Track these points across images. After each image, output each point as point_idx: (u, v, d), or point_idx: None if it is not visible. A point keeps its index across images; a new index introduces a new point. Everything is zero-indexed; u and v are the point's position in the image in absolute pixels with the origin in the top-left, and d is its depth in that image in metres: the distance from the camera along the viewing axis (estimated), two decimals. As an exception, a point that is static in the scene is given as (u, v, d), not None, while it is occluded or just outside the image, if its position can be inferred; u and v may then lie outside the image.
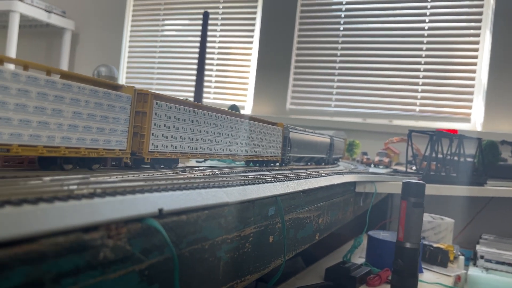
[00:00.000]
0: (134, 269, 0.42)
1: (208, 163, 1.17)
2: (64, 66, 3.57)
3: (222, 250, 0.58)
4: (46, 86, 0.50)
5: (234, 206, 0.61)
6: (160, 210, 0.45)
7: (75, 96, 0.53)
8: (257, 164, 1.12)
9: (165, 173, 0.65)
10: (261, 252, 0.71)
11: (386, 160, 2.16)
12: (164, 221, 0.46)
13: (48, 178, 0.45)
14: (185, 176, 0.67)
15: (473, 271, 1.75)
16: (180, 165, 0.86)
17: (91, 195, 0.40)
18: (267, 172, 0.99)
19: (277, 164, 1.20)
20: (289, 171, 1.09)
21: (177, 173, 0.70)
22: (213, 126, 0.84)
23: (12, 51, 3.09)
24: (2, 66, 0.47)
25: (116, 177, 0.54)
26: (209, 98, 3.19)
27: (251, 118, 1.02)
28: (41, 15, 3.31)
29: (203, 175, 0.73)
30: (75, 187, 0.43)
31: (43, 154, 0.50)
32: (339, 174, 1.20)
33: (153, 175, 0.61)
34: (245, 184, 0.68)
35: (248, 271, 0.67)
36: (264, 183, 0.75)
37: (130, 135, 0.63)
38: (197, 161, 1.19)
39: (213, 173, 0.79)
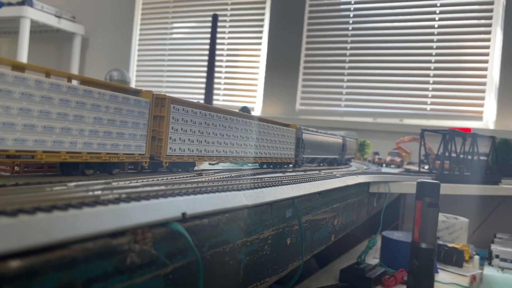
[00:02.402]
0: (160, 273, 0.42)
1: (221, 166, 1.18)
2: (75, 70, 3.60)
3: (242, 253, 0.58)
4: (68, 93, 0.50)
5: (253, 208, 0.61)
6: (183, 214, 0.46)
7: (96, 101, 0.54)
8: (271, 166, 1.12)
9: (184, 177, 0.66)
10: (279, 255, 0.71)
11: (398, 159, 2.15)
12: (187, 225, 0.46)
13: (72, 184, 0.45)
14: (203, 179, 0.67)
15: (488, 271, 1.73)
16: (194, 168, 0.87)
17: (117, 200, 0.40)
18: (281, 174, 0.99)
19: (290, 165, 1.20)
20: (303, 173, 1.09)
21: (194, 176, 0.70)
22: (228, 128, 0.85)
23: (23, 57, 3.13)
24: (24, 73, 0.47)
25: (137, 182, 0.54)
26: (219, 100, 3.20)
27: (265, 120, 1.02)
28: (51, 21, 3.35)
29: (220, 177, 0.73)
30: (100, 192, 0.43)
31: (66, 160, 0.51)
32: (353, 174, 1.19)
33: (172, 178, 0.61)
34: (263, 187, 0.68)
35: (267, 273, 0.68)
36: (280, 185, 0.75)
37: (148, 140, 0.64)
38: (209, 164, 1.20)
39: (229, 175, 0.80)
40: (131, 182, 0.53)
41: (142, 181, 0.55)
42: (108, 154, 0.57)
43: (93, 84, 0.56)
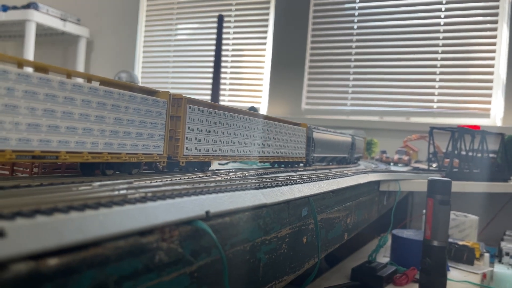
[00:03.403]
0: (185, 271, 0.43)
1: (231, 166, 1.18)
2: (80, 73, 3.62)
3: (261, 251, 0.59)
4: (90, 94, 0.51)
5: (271, 207, 0.61)
6: (207, 213, 0.46)
7: (116, 102, 0.54)
8: (282, 165, 1.12)
9: (201, 176, 0.66)
10: (296, 253, 0.71)
11: (405, 158, 2.14)
12: (210, 223, 0.47)
13: (97, 184, 0.46)
14: (220, 178, 0.67)
15: (498, 269, 1.72)
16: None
17: (144, 199, 0.41)
18: (293, 173, 0.99)
19: (301, 164, 1.20)
20: (314, 172, 1.09)
21: (210, 175, 0.70)
22: (241, 128, 0.85)
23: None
24: (48, 75, 0.48)
25: (157, 181, 0.54)
26: (224, 100, 3.20)
27: (276, 119, 1.02)
28: (56, 24, 3.36)
29: (236, 177, 0.73)
30: (125, 191, 0.43)
31: (88, 160, 0.51)
32: (364, 173, 1.20)
33: (191, 178, 0.62)
34: (279, 185, 0.68)
35: (285, 272, 0.68)
36: (296, 183, 0.75)
37: (166, 139, 0.64)
38: (219, 164, 1.20)
39: (244, 175, 0.80)
40: (151, 182, 0.54)
41: (162, 181, 0.56)
42: (128, 154, 0.57)
43: (113, 85, 0.56)
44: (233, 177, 0.71)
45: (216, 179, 0.64)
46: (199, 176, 0.65)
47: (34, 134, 0.45)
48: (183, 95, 0.69)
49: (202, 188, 0.52)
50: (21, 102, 0.43)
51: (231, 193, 0.53)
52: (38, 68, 0.47)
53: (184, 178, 0.61)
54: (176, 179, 0.59)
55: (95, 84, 0.54)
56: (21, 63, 0.45)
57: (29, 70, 0.46)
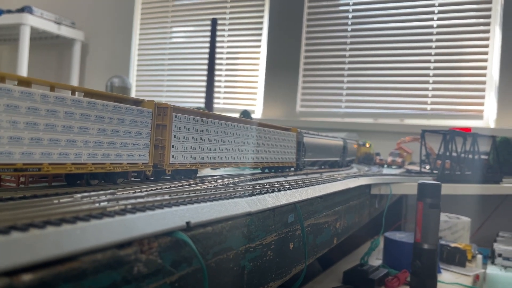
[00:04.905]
0: (166, 282, 0.43)
1: (222, 171, 1.18)
2: (75, 76, 3.62)
3: (246, 259, 0.59)
4: (73, 105, 0.51)
5: (255, 215, 0.62)
6: (188, 223, 0.47)
7: (100, 113, 0.55)
8: (272, 170, 1.13)
9: (187, 184, 0.67)
10: (282, 259, 0.72)
11: (399, 160, 2.16)
12: (191, 233, 0.47)
13: (79, 195, 0.46)
14: (206, 186, 0.68)
15: (491, 270, 1.73)
16: (197, 174, 0.87)
17: (123, 212, 0.41)
18: (283, 178, 1.00)
19: (292, 169, 1.21)
20: (305, 176, 1.10)
21: (197, 183, 0.71)
22: (229, 135, 0.85)
23: (24, 64, 3.15)
24: (30, 88, 0.48)
25: (141, 191, 0.55)
26: (219, 103, 3.21)
27: (266, 125, 1.03)
28: (51, 27, 3.37)
29: (223, 184, 0.74)
30: (106, 203, 0.44)
31: (72, 171, 0.52)
32: (354, 177, 1.20)
33: (176, 187, 0.62)
34: (265, 193, 0.69)
35: (271, 278, 0.68)
36: (282, 190, 0.76)
37: (151, 148, 0.65)
38: (211, 168, 1.21)
39: (231, 181, 0.80)
40: (135, 192, 0.54)
41: (147, 190, 0.56)
42: (112, 164, 0.58)
43: (97, 96, 0.57)
44: (219, 185, 0.72)
45: (202, 187, 0.65)
46: (184, 185, 0.66)
47: (16, 147, 0.45)
48: (169, 103, 0.70)
49: (184, 198, 0.52)
50: (3, 116, 0.44)
51: (214, 203, 0.54)
52: (21, 81, 0.48)
53: (170, 187, 0.62)
54: (161, 188, 0.59)
55: (80, 95, 0.55)
56: (3, 77, 0.45)
57: (12, 84, 0.47)
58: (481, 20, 2.58)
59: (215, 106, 2.63)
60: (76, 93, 0.55)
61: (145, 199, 0.48)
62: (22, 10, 3.19)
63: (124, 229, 0.39)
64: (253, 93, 3.17)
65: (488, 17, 2.55)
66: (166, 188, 0.60)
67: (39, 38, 3.60)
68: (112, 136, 0.57)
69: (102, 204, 0.43)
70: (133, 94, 3.57)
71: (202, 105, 2.39)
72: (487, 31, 2.55)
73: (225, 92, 3.25)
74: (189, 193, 0.57)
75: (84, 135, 0.53)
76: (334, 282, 1.32)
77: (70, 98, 0.51)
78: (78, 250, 0.34)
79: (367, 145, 2.06)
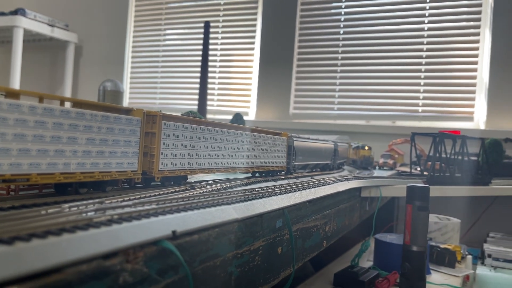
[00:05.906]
0: (152, 290, 0.44)
1: (213, 176, 1.19)
2: (69, 78, 3.62)
3: (233, 265, 0.61)
4: (61, 116, 0.52)
5: (243, 221, 0.63)
6: (174, 232, 0.48)
7: (88, 123, 0.56)
8: (263, 174, 1.14)
9: (176, 191, 0.68)
10: (270, 264, 0.73)
11: (390, 161, 2.18)
12: (177, 242, 0.48)
13: (66, 205, 0.47)
14: (195, 193, 0.69)
15: (481, 270, 1.76)
16: (187, 180, 0.88)
17: (109, 222, 0.42)
18: (273, 182, 1.01)
19: (283, 173, 1.22)
20: (295, 180, 1.12)
21: (186, 190, 0.72)
22: (219, 141, 0.87)
23: (17, 66, 3.14)
24: (18, 100, 0.49)
25: (129, 200, 0.56)
26: (213, 105, 3.22)
27: (256, 130, 1.04)
28: (44, 29, 3.36)
29: (212, 190, 0.75)
30: (93, 213, 0.45)
31: (60, 181, 0.53)
32: (344, 180, 1.22)
33: (164, 194, 0.63)
34: (253, 199, 0.70)
35: (259, 283, 0.70)
36: (270, 196, 0.77)
37: (140, 156, 0.66)
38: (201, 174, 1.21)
39: (221, 186, 0.82)
40: (124, 200, 0.55)
41: (135, 198, 0.57)
42: (101, 173, 0.59)
43: (86, 106, 0.58)
44: (208, 191, 0.73)
45: (190, 194, 0.66)
46: (173, 192, 0.67)
47: (4, 158, 0.46)
48: (162, 106, 0.71)
49: (171, 206, 0.53)
50: (-9, 129, 0.44)
51: (201, 210, 0.55)
52: (10, 93, 0.49)
53: (158, 194, 0.63)
54: (149, 195, 0.60)
55: (68, 105, 0.56)
56: (-9, 90, 0.46)
57: (0, 95, 0.47)
58: (471, 23, 2.61)
59: (209, 108, 2.64)
60: (66, 103, 0.56)
61: (132, 209, 0.49)
62: (15, 12, 3.18)
63: (110, 240, 0.40)
64: (246, 95, 3.19)
65: (478, 20, 2.58)
66: (154, 195, 0.61)
67: (32, 40, 3.60)
68: (101, 145, 0.58)
69: (89, 214, 0.44)
70: (127, 97, 3.57)
71: (195, 108, 2.40)
72: (477, 34, 2.58)
73: (218, 95, 3.26)
74: (176, 201, 0.58)
75: (72, 145, 0.54)
76: (325, 284, 1.34)
77: (59, 109, 0.52)
78: (64, 262, 0.35)
79: (366, 148, 2.08)
